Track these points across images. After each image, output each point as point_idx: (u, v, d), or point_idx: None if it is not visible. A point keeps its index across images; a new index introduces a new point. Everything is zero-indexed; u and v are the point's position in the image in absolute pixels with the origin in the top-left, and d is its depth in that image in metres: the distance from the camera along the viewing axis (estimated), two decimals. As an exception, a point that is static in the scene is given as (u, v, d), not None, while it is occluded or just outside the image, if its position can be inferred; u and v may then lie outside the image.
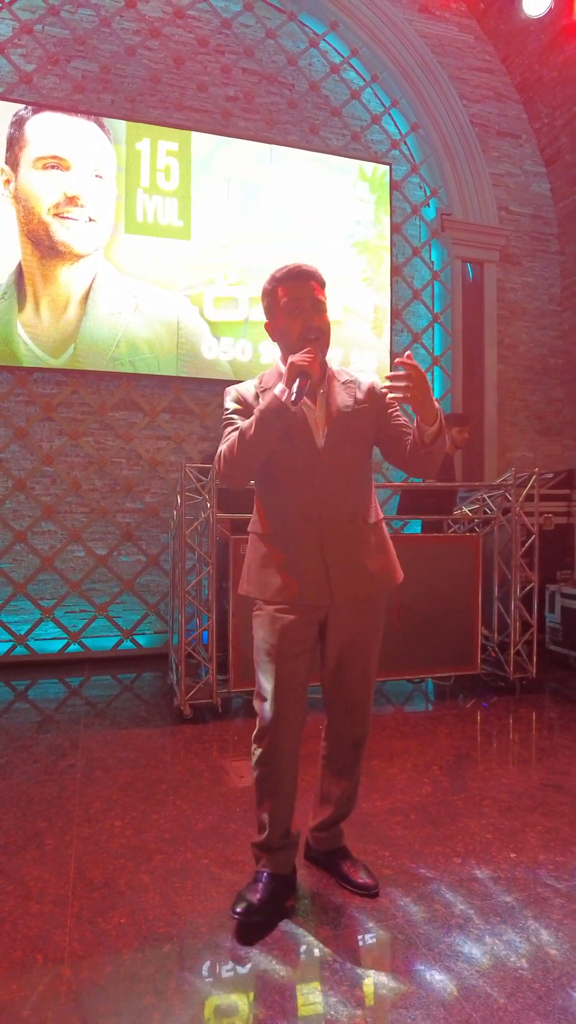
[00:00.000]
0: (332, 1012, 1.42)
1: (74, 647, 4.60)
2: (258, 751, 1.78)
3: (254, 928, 1.69)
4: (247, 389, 1.78)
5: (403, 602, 3.75)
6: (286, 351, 1.74)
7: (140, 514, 4.84)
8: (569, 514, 4.93)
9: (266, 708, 1.75)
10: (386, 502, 5.26)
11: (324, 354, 1.76)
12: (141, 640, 4.77)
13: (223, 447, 1.69)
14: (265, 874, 1.79)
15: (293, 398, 1.57)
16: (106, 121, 4.55)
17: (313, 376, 1.63)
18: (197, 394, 4.93)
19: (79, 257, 4.46)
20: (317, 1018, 1.40)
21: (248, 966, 1.57)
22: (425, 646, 3.79)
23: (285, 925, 1.72)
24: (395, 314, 5.40)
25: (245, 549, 1.90)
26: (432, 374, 5.65)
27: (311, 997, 1.47)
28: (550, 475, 5.10)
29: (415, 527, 4.73)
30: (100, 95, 4.72)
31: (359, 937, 1.68)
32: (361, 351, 5.21)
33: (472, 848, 2.11)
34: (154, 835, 2.19)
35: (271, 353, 4.78)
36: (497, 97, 5.85)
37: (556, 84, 5.63)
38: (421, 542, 3.96)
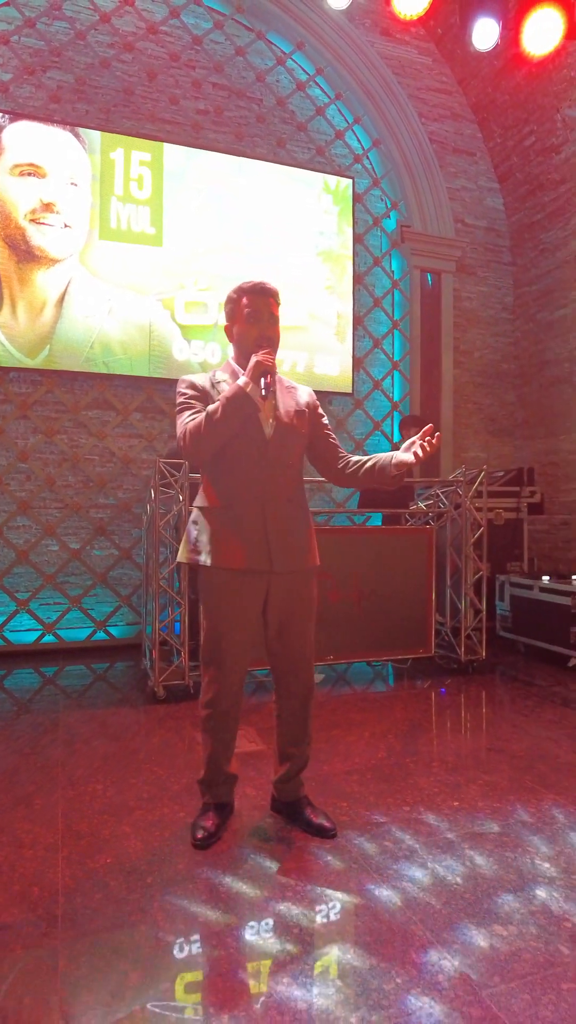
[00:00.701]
0: (296, 920, 1.66)
1: (49, 638, 4.75)
2: (204, 698, 2.08)
3: (210, 841, 2.04)
4: (201, 379, 2.06)
5: (363, 589, 4.02)
6: (240, 351, 2.06)
7: (113, 509, 5.01)
8: (518, 510, 5.27)
9: (212, 662, 2.05)
10: (348, 498, 5.54)
11: (275, 375, 2.06)
12: (114, 631, 4.95)
13: (190, 425, 1.95)
14: (212, 805, 2.13)
15: (264, 393, 1.90)
16: (81, 131, 4.73)
17: (273, 372, 1.94)
18: (168, 394, 5.12)
19: (55, 262, 4.63)
20: (283, 924, 1.64)
21: (223, 889, 1.80)
22: (384, 630, 4.07)
23: (255, 858, 1.96)
24: (357, 321, 5.69)
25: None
26: (392, 378, 5.95)
27: (277, 909, 1.71)
28: (501, 473, 5.44)
29: (375, 520, 5.01)
30: (75, 105, 4.90)
31: (319, 865, 1.92)
32: (325, 355, 5.48)
33: (420, 798, 2.38)
34: (133, 795, 2.40)
35: (239, 356, 5.02)
36: (453, 116, 6.20)
37: (508, 107, 5.99)
38: (380, 534, 4.23)
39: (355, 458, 2.11)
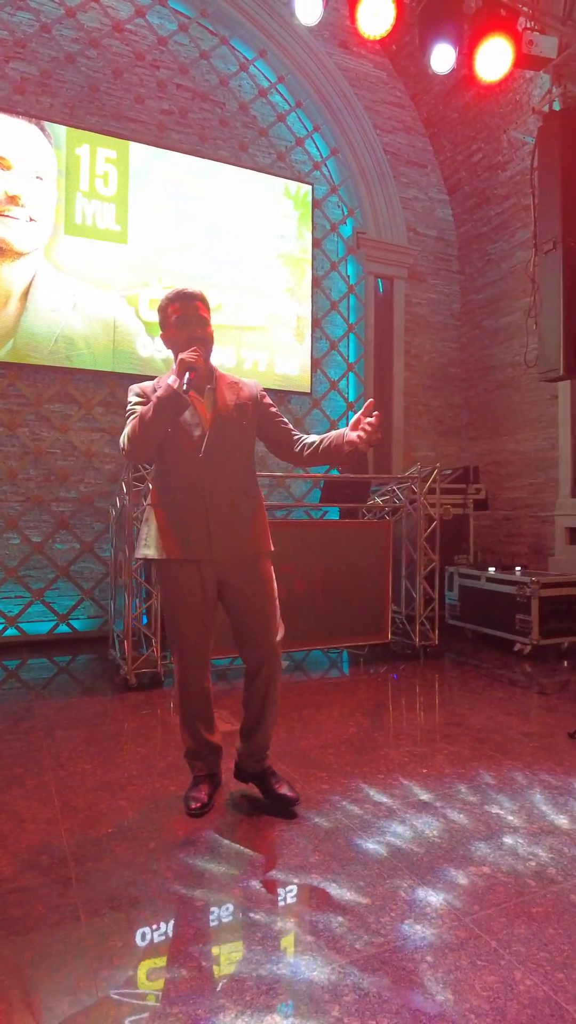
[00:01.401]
0: (295, 870, 1.83)
1: (11, 631, 4.74)
2: (176, 678, 2.22)
3: (204, 810, 2.18)
4: (148, 386, 2.16)
5: (325, 580, 4.22)
6: (173, 349, 2.16)
7: (75, 503, 5.04)
8: (464, 506, 5.59)
9: (174, 645, 2.19)
10: (307, 493, 5.74)
11: (208, 356, 2.17)
12: (76, 624, 4.98)
13: (127, 429, 2.07)
14: (203, 776, 2.27)
15: (184, 387, 1.98)
16: (47, 125, 4.74)
17: (199, 368, 2.03)
18: (131, 389, 5.18)
19: (19, 255, 4.63)
20: (284, 874, 1.81)
21: (224, 848, 1.95)
22: (344, 618, 4.28)
23: (250, 821, 2.11)
24: (315, 323, 5.89)
25: None
26: (347, 379, 6.19)
27: (277, 862, 1.87)
28: (449, 471, 5.76)
29: (334, 514, 5.22)
30: (39, 98, 4.89)
31: (310, 825, 2.10)
32: (285, 356, 5.66)
33: (392, 767, 2.58)
34: (122, 773, 2.51)
35: (203, 353, 5.14)
36: (406, 130, 6.48)
37: (457, 124, 6.32)
38: (340, 527, 4.45)
39: (309, 439, 2.21)
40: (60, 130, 4.76)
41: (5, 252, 4.58)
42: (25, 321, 4.67)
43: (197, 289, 2.18)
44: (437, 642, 4.51)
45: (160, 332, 2.22)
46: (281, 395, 5.73)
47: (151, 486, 2.21)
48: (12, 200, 4.57)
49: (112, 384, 5.09)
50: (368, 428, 1.98)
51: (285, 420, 2.30)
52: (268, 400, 2.28)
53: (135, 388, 2.16)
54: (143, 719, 3.17)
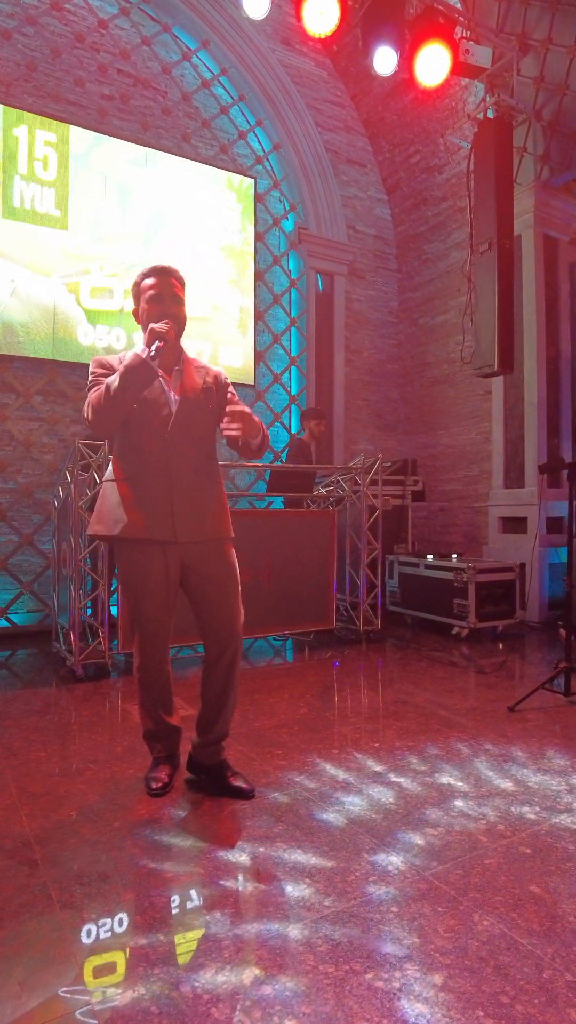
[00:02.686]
0: (260, 841, 1.88)
1: (-55, 626, 4.58)
2: (135, 661, 2.23)
3: (165, 789, 2.21)
4: (111, 359, 2.17)
5: (272, 569, 4.28)
6: (145, 326, 2.13)
7: (12, 494, 4.90)
8: (403, 497, 5.77)
9: (134, 626, 2.20)
10: (252, 484, 5.79)
11: (179, 336, 2.17)
12: (15, 618, 4.85)
13: (91, 397, 2.05)
14: (163, 757, 2.29)
15: (152, 353, 1.98)
16: (-19, 102, 4.58)
17: (168, 340, 2.01)
18: (71, 378, 5.09)
19: (-47, 235, 4.45)
20: (249, 844, 1.86)
21: (188, 824, 1.98)
22: (290, 606, 4.36)
23: (211, 799, 2.15)
24: (258, 316, 5.93)
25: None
26: (290, 373, 6.27)
27: (241, 835, 1.92)
28: (389, 464, 5.93)
29: (278, 505, 5.29)
30: (-28, 74, 4.72)
31: (269, 801, 2.16)
32: (229, 347, 5.68)
33: (345, 743, 2.68)
34: (80, 759, 2.50)
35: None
36: (347, 129, 6.61)
37: (396, 126, 6.49)
38: (286, 516, 4.52)
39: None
40: (-4, 108, 4.61)
41: None
42: (-40, 305, 4.50)
43: (174, 267, 2.18)
44: (380, 627, 4.66)
45: (133, 307, 2.22)
46: (225, 387, 5.74)
47: (112, 461, 2.18)
48: (-54, 178, 4.40)
49: (51, 372, 4.98)
50: (226, 425, 2.01)
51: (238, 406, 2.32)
52: (231, 389, 2.30)
53: (97, 359, 2.14)
54: (94, 708, 3.14)
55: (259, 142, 6.04)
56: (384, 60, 4.39)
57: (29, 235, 4.74)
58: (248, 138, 5.95)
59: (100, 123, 5.16)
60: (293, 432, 6.13)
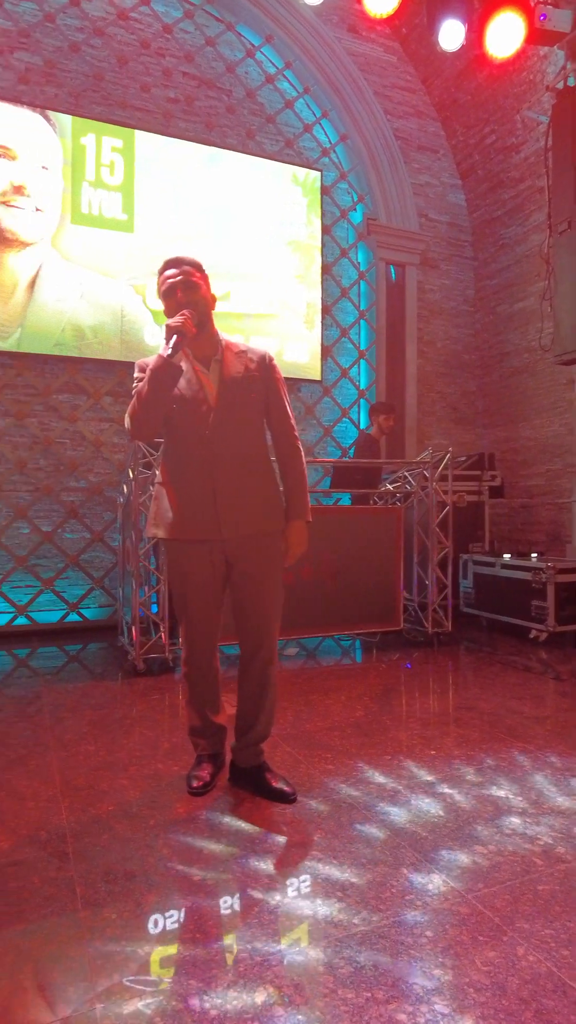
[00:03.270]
0: (295, 849, 1.79)
1: (21, 620, 4.76)
2: (183, 655, 2.19)
3: (206, 788, 2.16)
4: (150, 360, 2.06)
5: (335, 567, 4.17)
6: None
7: (84, 493, 5.04)
8: (480, 493, 5.50)
9: (182, 623, 2.16)
10: (319, 481, 5.69)
11: (203, 322, 2.04)
12: (87, 613, 4.98)
13: (128, 408, 2.01)
14: (206, 756, 2.24)
15: (169, 352, 1.90)
16: (51, 114, 4.74)
17: (185, 334, 1.92)
18: (140, 379, 5.16)
19: (26, 245, 4.63)
20: (283, 852, 1.77)
21: (224, 827, 1.91)
22: (354, 606, 4.23)
23: (252, 801, 2.08)
24: (325, 310, 5.83)
25: None
26: (359, 367, 6.13)
27: (276, 841, 1.83)
28: (463, 458, 5.67)
29: (345, 500, 5.16)
30: (44, 88, 4.89)
31: (311, 807, 2.05)
32: (295, 343, 5.61)
33: (399, 749, 2.53)
34: (126, 754, 2.49)
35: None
36: (418, 114, 6.39)
37: (470, 106, 6.22)
38: (350, 513, 4.39)
39: (282, 465, 2.17)
40: (65, 119, 4.76)
41: (11, 242, 4.58)
42: (32, 311, 4.67)
43: (187, 256, 2.09)
44: (451, 629, 4.44)
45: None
46: (291, 383, 5.68)
47: (160, 462, 2.15)
48: (18, 190, 4.58)
49: (120, 373, 5.08)
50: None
51: (286, 410, 2.16)
52: (278, 375, 2.16)
53: (138, 362, 2.10)
54: (150, 703, 3.14)
55: (325, 134, 5.94)
56: (451, 34, 4.19)
57: (97, 240, 4.86)
58: (314, 131, 5.86)
59: (165, 126, 5.23)
60: (362, 428, 5.99)
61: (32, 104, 4.71)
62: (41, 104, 4.77)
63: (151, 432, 2.04)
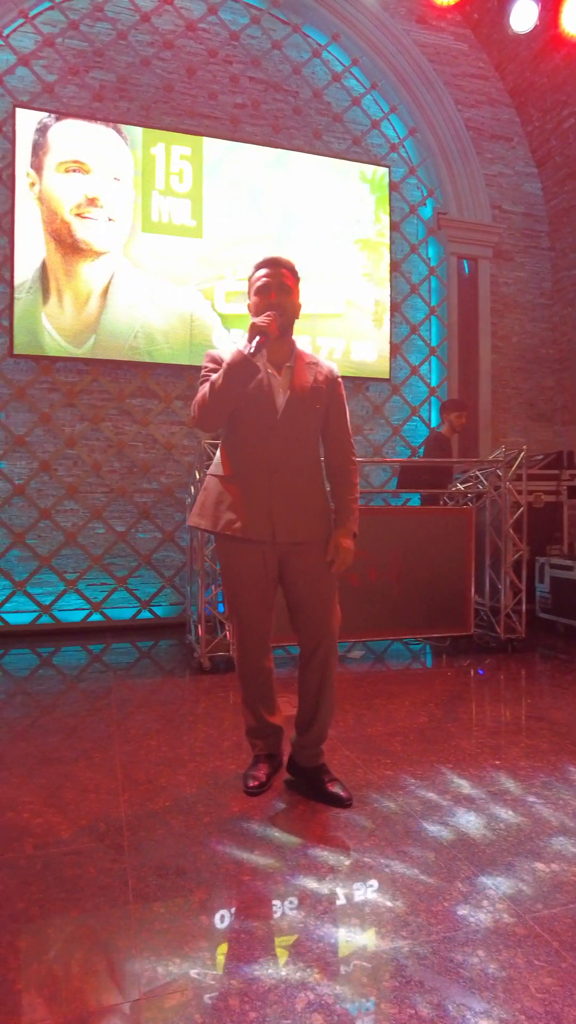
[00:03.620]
0: (349, 852, 1.75)
1: (95, 617, 4.94)
2: (235, 654, 2.19)
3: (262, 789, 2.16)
4: (222, 352, 2.07)
5: (402, 569, 4.08)
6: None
7: (156, 494, 5.17)
8: (558, 493, 5.26)
9: (233, 619, 2.15)
10: (387, 481, 5.61)
11: (286, 327, 2.07)
12: (158, 610, 5.11)
13: (197, 396, 2.02)
14: (263, 756, 2.23)
15: (252, 351, 1.91)
16: (123, 127, 4.89)
17: (269, 335, 1.94)
18: (209, 382, 5.25)
19: (99, 254, 4.81)
20: (337, 855, 1.74)
21: (278, 827, 1.91)
22: (423, 609, 4.13)
23: (308, 803, 2.06)
24: (394, 307, 5.74)
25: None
26: (429, 364, 5.99)
27: (331, 843, 1.81)
28: (540, 457, 5.44)
29: (415, 502, 5.06)
30: (117, 103, 5.06)
31: (370, 809, 2.01)
32: (362, 342, 5.55)
33: (462, 758, 2.45)
34: (186, 750, 2.53)
35: (278, 343, 5.13)
36: (490, 102, 6.19)
37: (546, 90, 5.97)
38: (419, 514, 4.29)
39: (336, 479, 2.18)
40: (136, 131, 4.91)
41: (85, 252, 4.77)
42: (105, 318, 4.84)
43: (287, 258, 2.11)
44: (525, 636, 4.26)
45: (247, 302, 2.16)
46: (359, 382, 5.64)
47: (219, 455, 2.17)
48: (92, 202, 4.76)
49: (190, 378, 5.18)
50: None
51: (346, 427, 2.18)
52: (341, 391, 2.18)
53: (209, 353, 2.13)
54: (213, 701, 3.18)
55: (393, 129, 5.85)
56: (523, 15, 4.04)
57: (167, 247, 4.98)
58: (382, 126, 5.78)
59: (233, 132, 5.30)
60: (433, 426, 5.85)
61: (106, 120, 4.88)
62: (114, 119, 4.94)
63: (215, 423, 2.08)
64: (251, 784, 2.15)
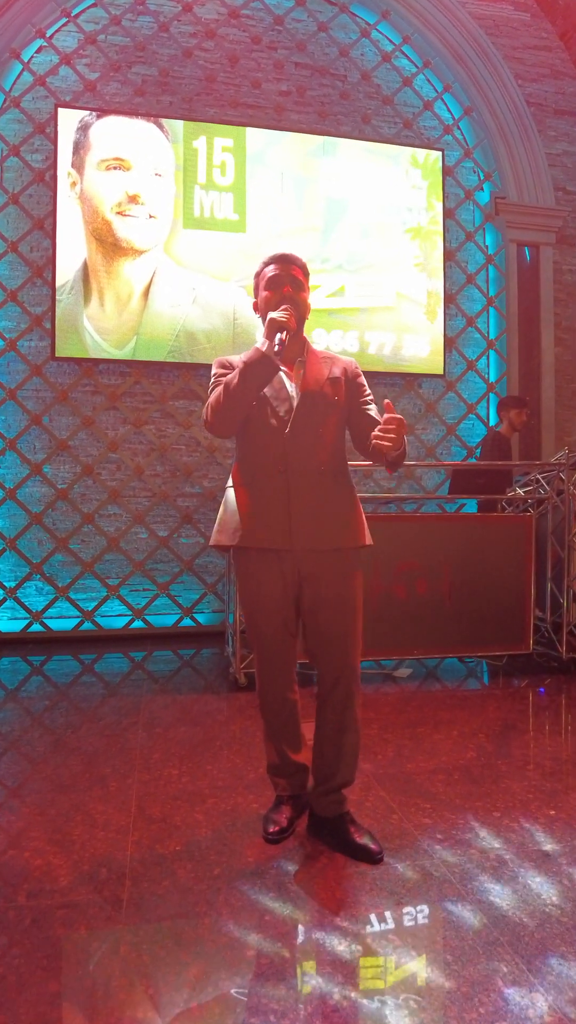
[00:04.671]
0: (368, 928, 1.53)
1: (137, 623, 4.84)
2: (257, 684, 1.99)
3: (282, 836, 1.95)
4: (234, 358, 1.94)
5: (455, 581, 3.79)
6: (265, 317, 1.90)
7: (199, 498, 5.04)
8: (629, 496, 4.81)
9: (253, 647, 1.96)
10: (440, 485, 5.30)
11: (300, 325, 1.91)
12: (200, 618, 4.98)
13: (211, 398, 1.85)
14: (285, 798, 2.03)
15: (276, 348, 1.74)
16: (164, 121, 4.77)
17: (290, 329, 1.79)
18: (252, 382, 5.08)
19: (140, 252, 4.70)
20: (354, 931, 1.52)
21: (292, 887, 1.70)
22: (476, 625, 3.82)
23: (330, 856, 1.84)
24: (448, 299, 5.41)
25: None
26: (487, 358, 5.63)
27: (349, 914, 1.58)
28: (609, 457, 5.00)
29: (471, 507, 4.74)
30: (159, 97, 4.94)
31: (398, 872, 1.78)
32: (414, 336, 5.25)
33: (512, 805, 2.17)
34: (208, 783, 2.35)
35: (324, 340, 4.89)
36: (554, 75, 5.76)
37: (616, 58, 5.49)
38: (473, 521, 3.98)
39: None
40: (177, 125, 4.77)
41: (126, 251, 4.67)
42: (147, 318, 4.73)
43: (298, 255, 1.99)
44: (589, 654, 3.89)
45: (253, 299, 2.04)
46: (410, 379, 5.34)
47: (234, 464, 2.00)
48: (133, 199, 4.65)
49: (233, 377, 5.01)
50: (379, 435, 1.71)
51: (372, 407, 2.00)
52: (362, 381, 2.02)
53: (219, 360, 1.98)
54: (245, 722, 2.99)
55: (447, 109, 5.51)
56: (589, -28, 3.64)
57: (209, 242, 4.83)
58: (435, 107, 5.45)
59: (277, 120, 5.10)
60: (491, 425, 5.49)
61: (148, 115, 4.77)
62: (156, 113, 4.82)
63: (232, 428, 1.90)
64: (271, 830, 1.95)
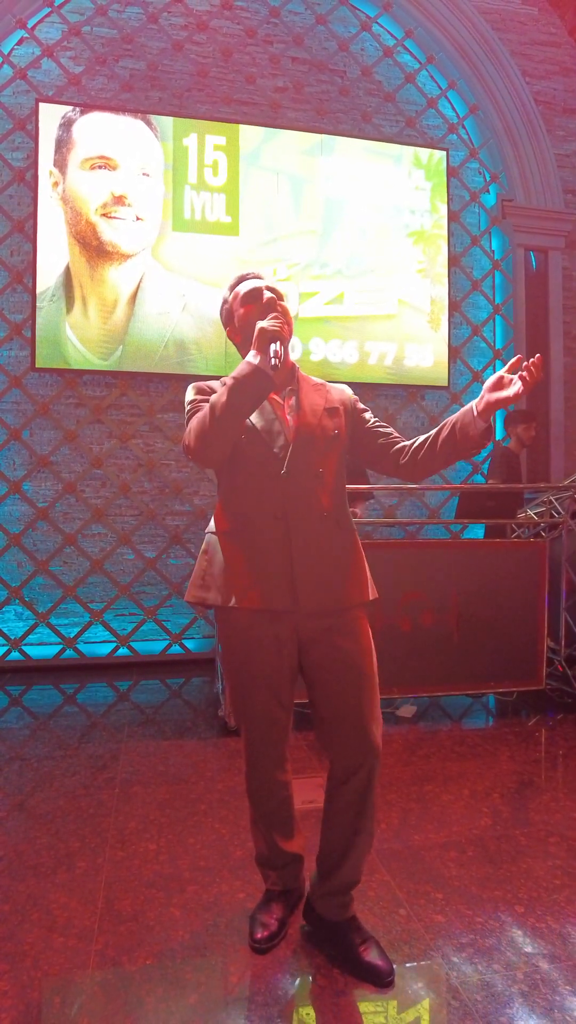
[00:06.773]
0: None
1: (123, 651, 4.56)
2: (244, 763, 1.71)
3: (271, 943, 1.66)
4: (212, 383, 1.70)
5: (461, 612, 3.51)
6: (246, 339, 1.66)
7: (189, 516, 4.76)
8: None
9: (241, 722, 1.69)
10: (443, 504, 5.03)
11: (287, 344, 1.60)
12: (190, 644, 4.69)
13: (193, 423, 1.56)
14: (275, 893, 1.75)
15: (273, 361, 1.48)
16: (153, 118, 4.49)
17: (284, 339, 1.53)
18: (246, 394, 4.80)
19: (126, 257, 4.42)
20: None
21: (281, 1021, 1.41)
22: (485, 659, 3.54)
23: (326, 974, 1.55)
24: (453, 306, 5.14)
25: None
26: (493, 368, 5.35)
27: (350, 1072, 1.30)
28: (623, 475, 4.73)
29: (477, 532, 4.46)
30: (148, 93, 4.67)
31: (408, 996, 1.49)
32: (417, 345, 4.98)
33: (537, 895, 1.88)
34: (188, 862, 2.06)
35: (322, 351, 4.61)
36: (563, 72, 5.50)
37: (629, 54, 5.24)
38: (481, 547, 3.70)
39: (419, 438, 1.64)
40: (166, 122, 4.50)
41: (112, 255, 4.39)
42: (134, 326, 4.45)
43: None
44: (607, 690, 3.61)
45: (226, 328, 1.79)
46: (413, 391, 5.06)
47: (216, 509, 1.71)
48: (119, 200, 4.37)
49: (225, 389, 4.74)
50: (533, 372, 1.47)
51: (383, 424, 1.74)
52: (362, 406, 1.76)
53: (194, 385, 1.70)
54: (231, 779, 2.69)
55: (452, 107, 5.25)
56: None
57: (200, 246, 4.55)
58: (439, 104, 5.19)
59: (273, 118, 4.83)
60: (498, 439, 5.21)
61: (135, 111, 4.49)
62: (144, 110, 4.55)
63: (218, 457, 1.59)
64: (258, 936, 1.65)
